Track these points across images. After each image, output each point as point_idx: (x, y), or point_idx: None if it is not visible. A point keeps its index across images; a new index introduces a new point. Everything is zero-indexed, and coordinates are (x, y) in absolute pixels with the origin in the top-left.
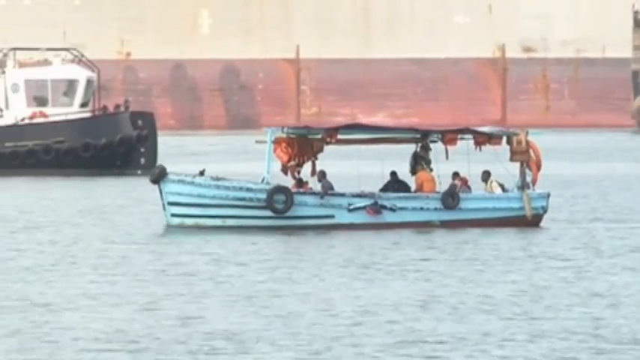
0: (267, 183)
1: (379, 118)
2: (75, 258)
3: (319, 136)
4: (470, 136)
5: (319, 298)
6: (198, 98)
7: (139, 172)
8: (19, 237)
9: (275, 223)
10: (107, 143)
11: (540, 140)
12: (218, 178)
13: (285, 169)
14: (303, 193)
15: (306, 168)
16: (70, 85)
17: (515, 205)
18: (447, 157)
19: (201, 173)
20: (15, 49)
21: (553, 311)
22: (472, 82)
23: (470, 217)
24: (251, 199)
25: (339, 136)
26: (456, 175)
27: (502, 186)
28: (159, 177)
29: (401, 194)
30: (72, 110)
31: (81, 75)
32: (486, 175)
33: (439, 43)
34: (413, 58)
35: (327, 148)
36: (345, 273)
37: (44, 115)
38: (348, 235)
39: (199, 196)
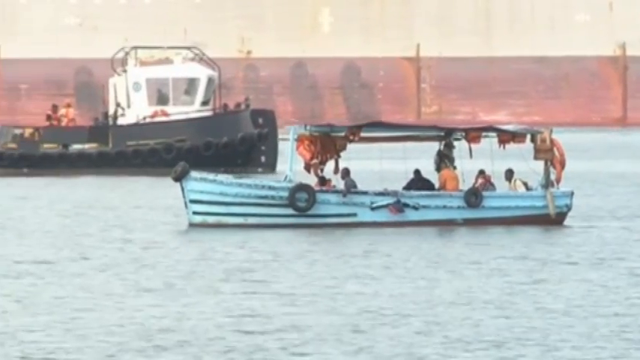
0: (290, 181)
1: (500, 117)
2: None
3: (342, 134)
4: (494, 134)
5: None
6: (319, 96)
7: (260, 170)
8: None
9: (297, 222)
10: (228, 142)
11: (563, 138)
12: (240, 176)
13: (307, 168)
14: (326, 192)
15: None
16: (191, 84)
17: (539, 203)
18: (470, 155)
19: (224, 172)
20: (136, 47)
21: None
22: (593, 80)
23: (493, 215)
24: (273, 197)
25: (362, 134)
26: (481, 172)
27: (526, 184)
28: (181, 175)
29: (424, 192)
30: (193, 109)
31: (202, 74)
32: (510, 174)
33: (560, 41)
34: (534, 56)
35: (352, 146)
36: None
37: (165, 114)
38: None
39: (221, 194)
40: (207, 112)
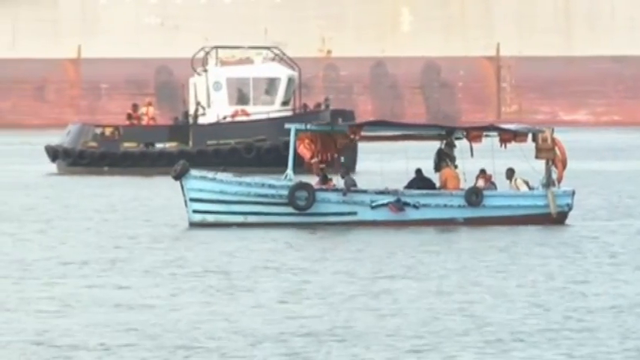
0: (290, 179)
1: (580, 116)
2: None
3: (343, 133)
4: (495, 133)
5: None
6: (399, 96)
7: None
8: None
9: (297, 220)
10: None
11: (564, 138)
12: (240, 175)
13: (308, 166)
14: (326, 190)
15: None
16: (272, 84)
17: (540, 202)
18: (471, 154)
19: (224, 170)
20: (217, 47)
21: None
22: None
23: (494, 214)
24: (273, 196)
25: (363, 133)
26: (482, 172)
27: (527, 183)
28: (180, 173)
29: (424, 191)
30: (273, 109)
31: (282, 73)
32: (510, 173)
33: None
34: (614, 55)
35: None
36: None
37: (246, 114)
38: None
39: (221, 192)
40: (287, 112)
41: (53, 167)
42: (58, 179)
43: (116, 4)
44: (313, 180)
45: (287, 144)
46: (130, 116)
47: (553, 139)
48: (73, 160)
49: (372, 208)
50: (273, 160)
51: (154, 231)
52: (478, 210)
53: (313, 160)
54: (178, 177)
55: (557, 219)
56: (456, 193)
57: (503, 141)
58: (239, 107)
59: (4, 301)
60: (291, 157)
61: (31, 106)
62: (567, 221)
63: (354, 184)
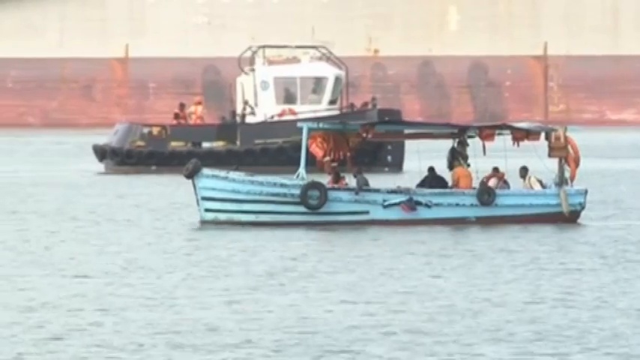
0: (302, 178)
1: (627, 115)
2: None
3: (356, 131)
4: (508, 131)
5: None
6: (446, 95)
7: (386, 169)
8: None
9: (309, 219)
10: None
11: (578, 137)
12: (252, 174)
13: (320, 165)
14: (338, 189)
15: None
16: (319, 83)
17: (552, 201)
18: (484, 152)
19: (236, 169)
20: (264, 46)
21: None
22: None
23: (506, 213)
24: (285, 195)
25: (376, 132)
26: (495, 170)
27: (540, 182)
28: (193, 172)
29: (436, 190)
30: (320, 108)
31: (329, 73)
32: (524, 172)
33: None
34: None
35: None
36: None
37: (293, 113)
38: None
39: (233, 191)
40: (334, 111)
41: (101, 167)
42: (106, 178)
43: (163, 4)
44: (325, 179)
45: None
46: (177, 115)
47: (566, 138)
48: (121, 159)
49: (385, 207)
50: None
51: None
52: (490, 209)
53: (325, 159)
54: (190, 176)
55: (569, 218)
56: (469, 192)
57: (516, 139)
58: (286, 106)
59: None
60: (303, 156)
61: (79, 105)
62: (579, 220)
63: (367, 184)
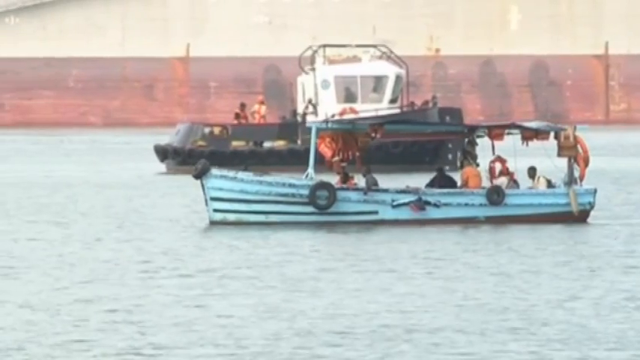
0: (311, 178)
1: None
2: None
3: (364, 131)
4: (517, 131)
5: None
6: (508, 94)
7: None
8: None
9: (318, 219)
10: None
11: (586, 137)
12: (261, 174)
13: (329, 165)
14: (347, 189)
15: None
16: (379, 82)
17: (562, 200)
18: (493, 152)
19: (245, 169)
20: (324, 45)
21: None
22: None
23: (515, 212)
24: (294, 195)
25: (385, 131)
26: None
27: (549, 181)
28: (201, 172)
29: (445, 190)
30: (381, 107)
31: (390, 71)
32: (533, 172)
33: None
34: None
35: None
36: None
37: (354, 112)
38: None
39: (242, 191)
40: (395, 110)
41: (162, 167)
42: (169, 178)
43: (225, 3)
44: (334, 179)
45: (396, 141)
46: (237, 115)
47: (575, 137)
48: (183, 159)
49: (393, 207)
50: (382, 157)
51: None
52: (500, 209)
53: (334, 159)
54: (199, 176)
55: (579, 217)
56: (478, 192)
57: (525, 139)
58: (347, 105)
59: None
60: (312, 156)
61: (140, 104)
62: (589, 219)
63: (376, 183)
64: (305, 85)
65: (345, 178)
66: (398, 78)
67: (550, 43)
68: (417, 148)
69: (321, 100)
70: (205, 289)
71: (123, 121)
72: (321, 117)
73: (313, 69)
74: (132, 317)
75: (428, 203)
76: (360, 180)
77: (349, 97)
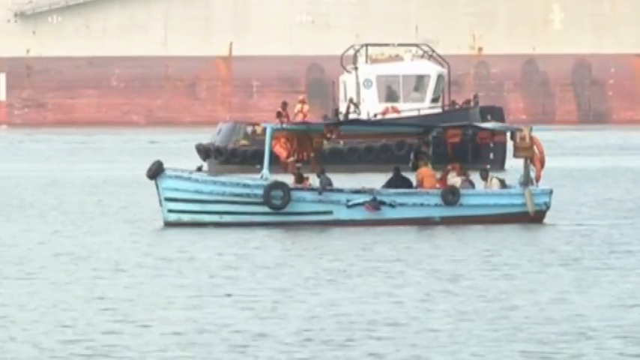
0: (266, 179)
1: None
2: None
3: (319, 132)
4: (473, 131)
5: None
6: (550, 93)
7: (488, 167)
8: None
9: (272, 219)
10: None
11: (542, 137)
12: (215, 174)
13: (284, 165)
14: (301, 189)
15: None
16: (421, 81)
17: (518, 201)
18: (451, 153)
19: (199, 169)
20: (366, 45)
21: None
22: None
23: (471, 213)
24: (248, 195)
25: (340, 132)
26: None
27: (502, 182)
28: (155, 173)
29: (400, 190)
30: (423, 106)
31: (431, 70)
32: (485, 173)
33: None
34: None
35: None
36: None
37: (396, 111)
38: None
39: (196, 192)
40: (437, 109)
41: (204, 166)
42: None
43: (268, 2)
44: (290, 179)
45: (438, 140)
46: (279, 114)
47: (532, 138)
48: (225, 158)
49: (348, 207)
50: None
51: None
52: (455, 209)
53: (289, 160)
54: (153, 176)
55: (534, 218)
56: (433, 192)
57: (481, 139)
58: (389, 104)
59: None
60: (266, 157)
61: (183, 103)
62: (545, 220)
63: (330, 184)
64: (347, 84)
65: (300, 178)
66: (439, 77)
67: (593, 42)
68: (460, 147)
69: (363, 100)
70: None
71: (165, 120)
72: (363, 116)
73: (355, 68)
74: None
75: (383, 203)
76: (315, 181)
77: (391, 96)
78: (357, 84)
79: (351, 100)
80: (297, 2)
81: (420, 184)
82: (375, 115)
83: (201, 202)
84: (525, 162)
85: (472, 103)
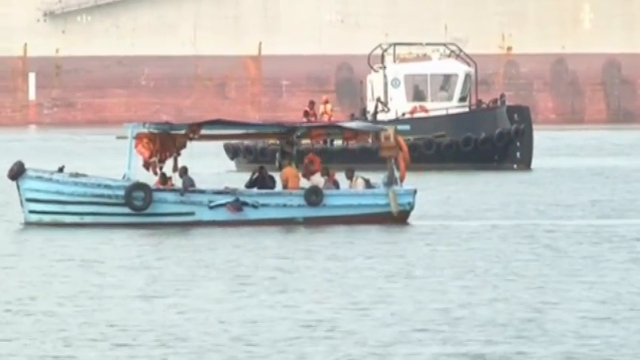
0: (128, 179)
1: None
2: None
3: (182, 132)
4: (338, 131)
5: None
6: (580, 92)
7: (515, 166)
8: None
9: (134, 220)
10: (486, 138)
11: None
12: (77, 175)
13: (147, 166)
14: (163, 190)
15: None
16: (448, 80)
17: (381, 201)
18: (314, 153)
19: (60, 170)
20: (394, 44)
21: None
22: None
23: (334, 213)
24: (109, 196)
25: (203, 132)
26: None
27: (367, 181)
28: (17, 173)
29: (263, 191)
30: (451, 105)
31: (459, 70)
32: (350, 173)
33: None
34: None
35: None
36: None
37: (424, 110)
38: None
39: (57, 192)
40: (464, 108)
41: (232, 165)
42: (235, 176)
43: (297, 1)
44: (154, 180)
45: (467, 140)
46: (306, 113)
47: (396, 138)
48: (254, 157)
49: (210, 208)
50: (453, 155)
51: None
52: (318, 209)
53: (152, 160)
54: (15, 177)
55: (398, 218)
56: (296, 193)
57: (346, 139)
58: (417, 104)
59: None
60: (128, 157)
61: (213, 103)
62: (408, 220)
63: (193, 184)
64: (374, 84)
65: (164, 179)
66: (467, 76)
67: (622, 42)
68: (487, 146)
69: (391, 99)
70: None
71: (195, 120)
72: (391, 115)
73: (383, 67)
74: None
75: (245, 204)
76: (177, 181)
77: (419, 95)
78: (385, 83)
79: (378, 100)
80: (327, 1)
81: (285, 185)
82: (404, 115)
83: (62, 202)
84: (389, 162)
85: (499, 103)
